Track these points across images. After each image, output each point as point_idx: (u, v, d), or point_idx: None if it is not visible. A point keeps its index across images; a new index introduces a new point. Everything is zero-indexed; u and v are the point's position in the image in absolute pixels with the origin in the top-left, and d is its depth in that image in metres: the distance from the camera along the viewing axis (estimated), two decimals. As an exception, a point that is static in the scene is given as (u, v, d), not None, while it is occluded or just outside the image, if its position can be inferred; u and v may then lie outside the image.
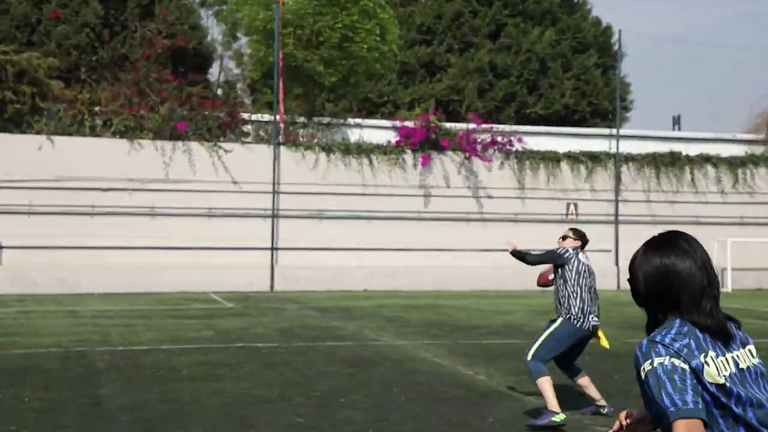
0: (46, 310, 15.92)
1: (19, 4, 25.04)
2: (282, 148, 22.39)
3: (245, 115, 23.51)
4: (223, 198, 21.47)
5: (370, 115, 30.21)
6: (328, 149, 22.79)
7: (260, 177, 21.81)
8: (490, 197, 23.67)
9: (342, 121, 24.74)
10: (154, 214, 20.97)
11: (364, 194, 22.66)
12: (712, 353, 2.32)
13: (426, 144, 23.45)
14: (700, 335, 2.34)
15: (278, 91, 23.51)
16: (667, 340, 2.33)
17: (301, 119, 24.02)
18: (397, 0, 34.06)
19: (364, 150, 23.04)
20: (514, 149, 24.06)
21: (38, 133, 20.59)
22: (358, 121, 25.16)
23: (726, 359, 2.34)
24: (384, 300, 18.72)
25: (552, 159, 24.28)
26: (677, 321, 2.36)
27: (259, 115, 24.35)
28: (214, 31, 35.84)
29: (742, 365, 2.36)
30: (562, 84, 33.91)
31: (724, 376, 2.30)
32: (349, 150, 22.95)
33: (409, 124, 24.01)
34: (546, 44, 34.06)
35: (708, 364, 2.29)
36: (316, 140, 23.23)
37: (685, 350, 2.30)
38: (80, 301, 17.85)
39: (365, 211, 22.54)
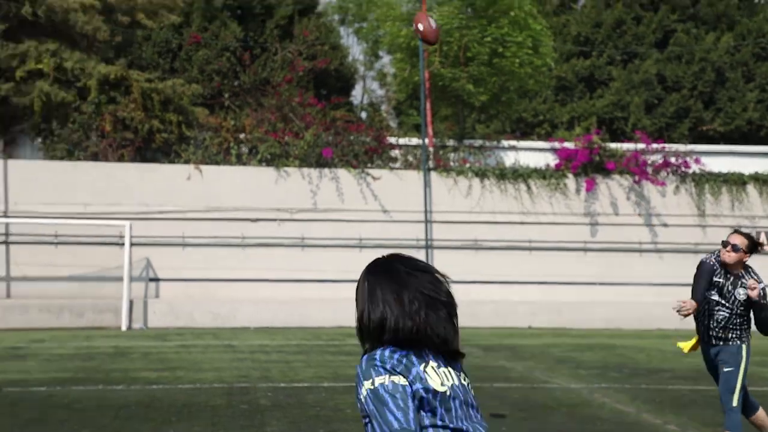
0: (205, 344, 16.82)
1: (159, 30, 26.80)
2: (432, 174, 22.78)
3: (392, 140, 24.09)
4: (374, 228, 22.06)
5: (525, 136, 30.22)
6: (481, 174, 22.99)
7: (411, 205, 22.28)
8: (665, 225, 23.10)
9: (495, 143, 24.88)
10: (304, 246, 21.84)
11: (523, 223, 22.67)
12: (433, 363, 2.61)
13: (589, 167, 23.22)
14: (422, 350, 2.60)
15: (426, 113, 23.96)
16: (386, 355, 2.58)
17: (452, 142, 24.35)
18: (551, 9, 34.02)
19: (520, 174, 23.07)
20: (690, 171, 23.43)
21: (186, 162, 21.93)
22: (513, 143, 25.22)
23: (448, 371, 2.63)
24: (552, 338, 18.59)
25: (736, 182, 23.45)
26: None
27: (407, 138, 24.88)
28: (356, 50, 37.08)
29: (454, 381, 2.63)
30: (744, 96, 32.66)
31: (446, 385, 2.58)
32: (505, 175, 23.05)
33: (569, 145, 23.85)
34: (723, 51, 33.00)
35: (428, 373, 2.58)
36: (468, 165, 23.45)
37: (405, 360, 2.58)
38: (237, 335, 18.75)
39: (525, 241, 22.54)
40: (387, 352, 2.59)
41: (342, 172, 22.37)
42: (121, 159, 21.70)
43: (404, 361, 2.57)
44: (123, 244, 20.03)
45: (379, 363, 2.57)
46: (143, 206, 21.06)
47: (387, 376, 2.54)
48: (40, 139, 22.19)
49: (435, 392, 2.57)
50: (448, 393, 2.58)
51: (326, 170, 22.33)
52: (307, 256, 21.76)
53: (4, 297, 20.67)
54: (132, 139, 21.91)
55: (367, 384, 2.56)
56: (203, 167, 21.79)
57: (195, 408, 9.49)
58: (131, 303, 20.14)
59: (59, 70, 21.81)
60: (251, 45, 27.98)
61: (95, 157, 21.64)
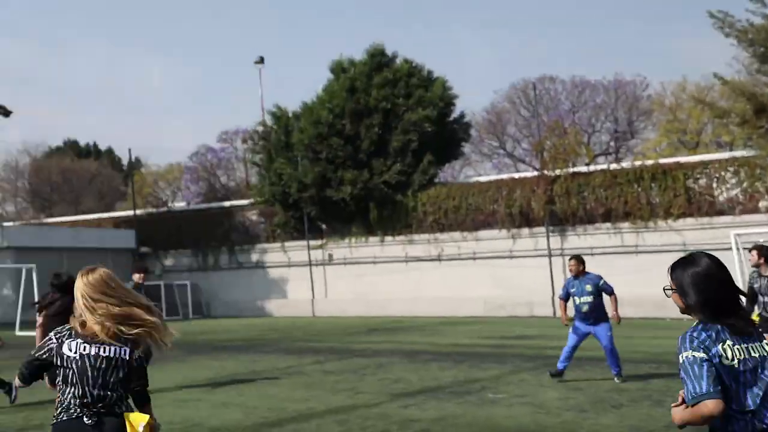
0: None
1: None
2: None
3: None
4: None
5: None
6: None
7: None
8: None
9: None
10: None
11: None
12: (729, 342, 2.68)
13: None
14: (719, 328, 2.70)
15: None
16: (695, 335, 2.69)
17: None
18: None
19: None
20: None
21: None
22: None
23: (741, 348, 2.69)
24: None
25: None
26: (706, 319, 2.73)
27: None
28: None
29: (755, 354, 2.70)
30: None
31: (738, 359, 2.65)
32: None
33: None
34: None
35: (725, 350, 2.66)
36: None
37: (708, 341, 2.67)
38: None
39: None
40: (697, 332, 2.71)
41: None
42: None
43: (707, 342, 2.66)
44: None
45: (688, 339, 2.69)
46: None
47: (690, 351, 2.66)
48: None
49: (726, 366, 2.64)
50: (737, 366, 2.65)
51: None
52: None
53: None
54: None
55: (680, 357, 2.70)
56: None
57: None
58: None
59: None
60: None
61: None
